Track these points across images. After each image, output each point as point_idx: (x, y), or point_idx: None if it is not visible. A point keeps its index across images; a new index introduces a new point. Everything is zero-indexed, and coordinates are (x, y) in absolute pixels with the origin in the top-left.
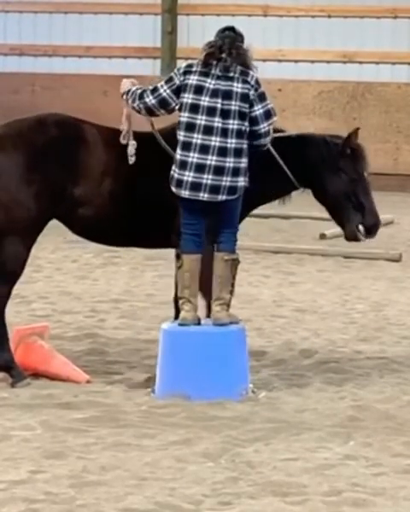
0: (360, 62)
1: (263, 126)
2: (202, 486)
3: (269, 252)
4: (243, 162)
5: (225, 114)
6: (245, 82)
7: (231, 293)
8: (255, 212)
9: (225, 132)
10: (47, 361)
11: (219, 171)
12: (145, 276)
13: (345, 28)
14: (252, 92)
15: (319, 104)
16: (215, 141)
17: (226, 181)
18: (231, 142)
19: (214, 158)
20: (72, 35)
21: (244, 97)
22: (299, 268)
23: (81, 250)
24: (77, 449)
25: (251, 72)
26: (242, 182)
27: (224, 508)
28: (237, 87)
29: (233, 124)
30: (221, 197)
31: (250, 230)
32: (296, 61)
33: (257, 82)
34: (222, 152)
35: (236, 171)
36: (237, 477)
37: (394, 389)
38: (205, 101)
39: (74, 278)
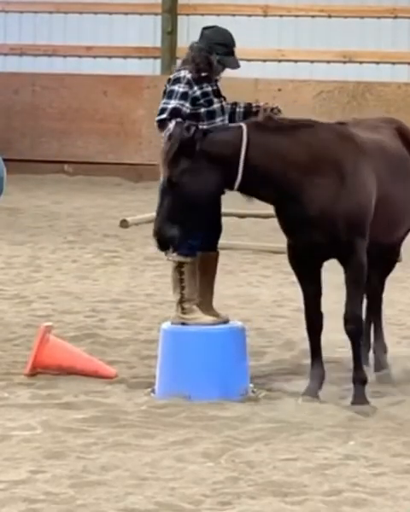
0: (360, 62)
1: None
2: (201, 486)
3: (269, 252)
4: None
5: None
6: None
7: (181, 294)
8: (255, 212)
9: None
10: (72, 358)
11: None
12: (145, 276)
13: (345, 28)
14: (166, 90)
15: (319, 104)
16: None
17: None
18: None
19: None
20: (72, 35)
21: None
22: None
23: (81, 250)
24: (77, 449)
25: (179, 71)
26: None
27: (224, 508)
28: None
29: None
30: None
31: (250, 230)
32: (296, 61)
33: (172, 81)
34: None
35: None
36: (237, 477)
37: (394, 390)
38: None
39: (74, 278)
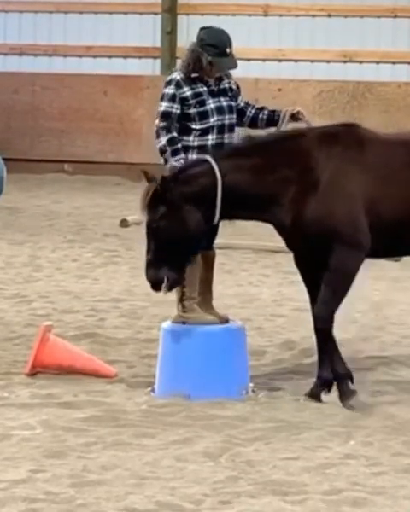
0: (360, 62)
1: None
2: (202, 486)
3: (269, 251)
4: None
5: None
6: None
7: (182, 291)
8: None
9: None
10: (72, 357)
11: None
12: None
13: (345, 28)
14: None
15: (320, 104)
16: None
17: None
18: None
19: None
20: (72, 35)
21: None
22: None
23: (81, 249)
24: (77, 448)
25: (172, 73)
26: None
27: (224, 507)
28: None
29: None
30: None
31: (250, 230)
32: (296, 61)
33: (165, 83)
34: None
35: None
36: (238, 476)
37: (394, 389)
38: None
39: (74, 277)
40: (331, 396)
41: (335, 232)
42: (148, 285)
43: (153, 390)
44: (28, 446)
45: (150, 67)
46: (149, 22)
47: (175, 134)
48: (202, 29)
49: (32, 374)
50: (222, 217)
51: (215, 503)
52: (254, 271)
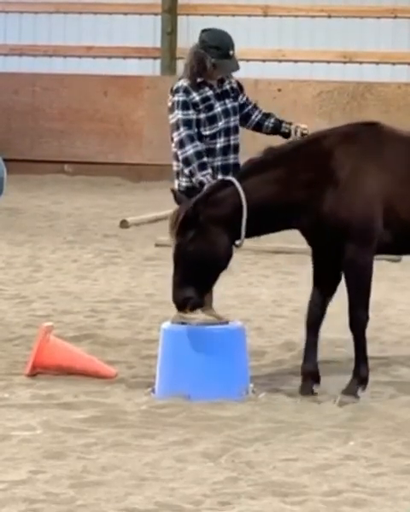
0: (360, 62)
1: (173, 136)
2: (201, 486)
3: (269, 252)
4: (176, 166)
5: None
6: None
7: None
8: None
9: None
10: (72, 358)
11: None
12: (145, 276)
13: (345, 28)
14: (169, 104)
15: (319, 104)
16: None
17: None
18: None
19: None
20: (72, 35)
21: None
22: (299, 268)
23: (81, 250)
24: (77, 449)
25: (178, 80)
26: (176, 186)
27: (224, 508)
28: None
29: None
30: None
31: None
32: (296, 61)
33: (173, 92)
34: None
35: (176, 174)
36: (237, 477)
37: (394, 389)
38: None
39: (74, 278)
40: (329, 395)
41: (355, 230)
42: (147, 285)
43: (153, 391)
44: (28, 447)
45: (150, 68)
46: (149, 23)
47: (199, 144)
48: (203, 31)
49: (33, 374)
50: (249, 235)
51: (215, 503)
52: (254, 272)
